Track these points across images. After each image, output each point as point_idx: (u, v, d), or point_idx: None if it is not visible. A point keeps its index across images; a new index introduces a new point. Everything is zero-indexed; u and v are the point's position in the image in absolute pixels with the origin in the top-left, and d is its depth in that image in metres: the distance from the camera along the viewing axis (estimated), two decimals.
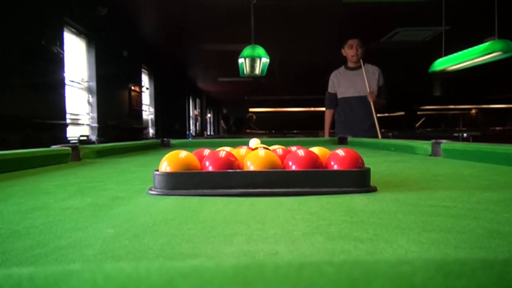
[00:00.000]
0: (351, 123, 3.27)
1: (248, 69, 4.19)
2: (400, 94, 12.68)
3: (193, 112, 12.37)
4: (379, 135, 3.09)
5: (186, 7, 5.33)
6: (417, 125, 14.01)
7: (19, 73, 3.41)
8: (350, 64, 3.36)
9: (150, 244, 0.36)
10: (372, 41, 7.02)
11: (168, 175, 0.64)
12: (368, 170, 0.67)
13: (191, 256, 0.33)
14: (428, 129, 12.25)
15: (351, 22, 6.05)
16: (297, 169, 0.66)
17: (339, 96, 3.36)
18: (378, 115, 3.27)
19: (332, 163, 0.68)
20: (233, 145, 1.05)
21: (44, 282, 0.17)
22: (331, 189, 0.63)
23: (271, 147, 0.84)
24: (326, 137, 3.40)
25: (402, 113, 15.72)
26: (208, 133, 15.21)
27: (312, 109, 17.31)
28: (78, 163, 1.35)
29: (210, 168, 0.67)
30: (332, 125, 3.52)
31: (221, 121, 12.40)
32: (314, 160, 0.67)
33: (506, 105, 15.30)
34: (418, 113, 15.78)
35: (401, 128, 12.79)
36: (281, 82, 10.02)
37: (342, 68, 3.43)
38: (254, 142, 1.07)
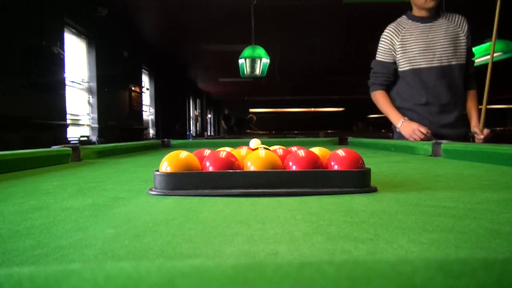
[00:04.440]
0: (425, 112, 2.02)
1: (248, 69, 4.20)
2: None
3: (193, 112, 12.37)
4: (481, 134, 1.95)
5: (187, 7, 5.33)
6: None
7: (20, 74, 3.42)
8: (419, 13, 2.04)
9: (150, 244, 0.36)
10: (372, 41, 7.02)
11: (168, 175, 0.64)
12: (369, 170, 0.67)
13: (192, 256, 0.33)
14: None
15: (351, 22, 6.05)
16: (298, 169, 0.66)
17: (403, 66, 2.05)
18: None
19: (332, 163, 0.68)
20: (234, 146, 1.05)
21: (45, 282, 0.17)
22: (331, 190, 0.63)
23: (272, 148, 0.84)
24: (395, 119, 2.06)
25: None
26: (209, 134, 15.22)
27: (312, 109, 17.32)
28: (79, 164, 1.35)
29: (211, 169, 0.67)
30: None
31: (222, 121, 12.42)
32: (314, 161, 0.67)
33: (506, 105, 15.29)
34: None
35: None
36: (282, 83, 10.03)
37: (403, 19, 2.09)
38: (255, 142, 1.07)
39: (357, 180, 0.65)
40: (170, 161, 0.66)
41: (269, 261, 0.17)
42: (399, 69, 2.08)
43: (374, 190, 0.66)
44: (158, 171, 0.66)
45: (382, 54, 2.12)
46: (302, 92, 14.45)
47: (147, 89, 7.67)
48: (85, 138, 4.69)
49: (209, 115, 16.60)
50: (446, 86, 1.99)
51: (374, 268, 0.17)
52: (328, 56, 8.42)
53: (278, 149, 0.80)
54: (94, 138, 4.92)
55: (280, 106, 17.50)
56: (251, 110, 15.53)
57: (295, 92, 14.14)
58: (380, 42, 2.13)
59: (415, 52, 2.01)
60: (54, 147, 1.37)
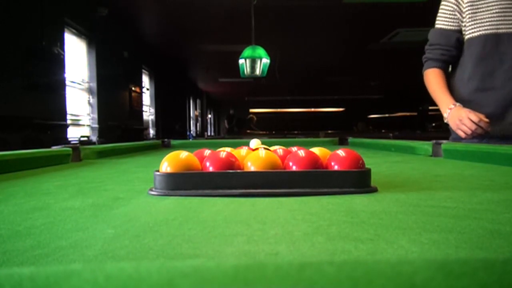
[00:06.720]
0: (489, 100, 1.49)
1: (248, 69, 4.20)
2: (411, 94, 12.75)
3: (193, 112, 12.37)
4: None
5: (187, 7, 5.33)
6: (433, 124, 13.72)
7: (20, 74, 3.42)
8: None
9: (150, 245, 0.36)
10: (372, 41, 7.03)
11: (168, 176, 0.64)
12: (369, 170, 0.67)
13: (192, 256, 0.33)
14: (430, 130, 12.25)
15: (351, 22, 6.05)
16: (298, 169, 0.66)
17: (470, 33, 1.54)
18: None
19: (332, 163, 0.68)
20: (234, 146, 1.05)
21: (45, 282, 0.17)
22: (331, 190, 0.63)
23: (272, 148, 0.84)
24: (444, 106, 1.54)
25: (415, 113, 15.80)
26: (209, 134, 15.23)
27: (312, 109, 17.31)
28: (79, 164, 1.35)
29: (211, 169, 0.66)
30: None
31: (225, 121, 12.41)
32: (314, 161, 0.67)
33: None
34: (430, 113, 15.55)
35: (413, 128, 12.80)
36: (282, 83, 10.03)
37: None
38: (255, 142, 1.07)
39: (357, 180, 0.65)
40: (170, 161, 0.66)
41: (270, 261, 0.17)
42: (465, 37, 1.56)
43: (374, 190, 0.66)
44: (158, 171, 0.66)
45: (442, 19, 1.61)
46: (302, 92, 14.44)
47: (147, 89, 7.68)
48: (85, 138, 4.69)
49: (209, 115, 16.60)
50: None
51: (375, 268, 0.17)
52: (328, 56, 8.42)
53: (278, 149, 0.80)
54: (94, 138, 4.92)
55: (280, 106, 17.50)
56: (251, 110, 15.53)
57: (295, 92, 14.13)
58: (442, 3, 1.63)
59: (493, 12, 1.48)
60: (55, 147, 1.37)
